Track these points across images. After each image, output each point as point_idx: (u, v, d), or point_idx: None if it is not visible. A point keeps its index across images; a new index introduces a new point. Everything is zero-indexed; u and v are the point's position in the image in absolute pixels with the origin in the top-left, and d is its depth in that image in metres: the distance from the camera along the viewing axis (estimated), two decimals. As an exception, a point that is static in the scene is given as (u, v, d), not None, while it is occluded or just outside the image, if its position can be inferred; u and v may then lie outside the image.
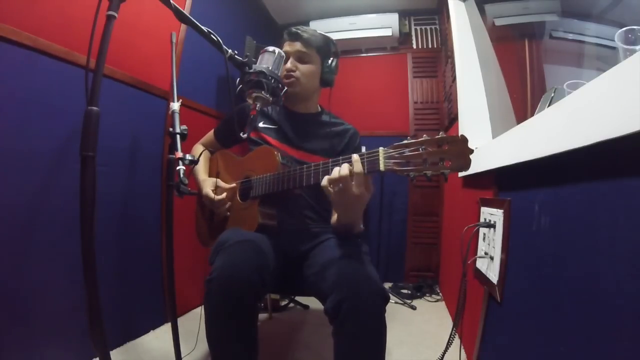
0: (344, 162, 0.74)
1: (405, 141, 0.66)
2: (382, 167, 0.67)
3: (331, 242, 0.96)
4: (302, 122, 1.12)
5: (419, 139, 0.64)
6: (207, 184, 1.08)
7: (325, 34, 1.10)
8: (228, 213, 1.07)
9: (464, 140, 0.62)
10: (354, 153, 1.09)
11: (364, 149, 1.16)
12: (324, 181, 0.73)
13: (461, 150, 0.61)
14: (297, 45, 1.04)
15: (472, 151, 0.62)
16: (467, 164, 0.61)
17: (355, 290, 0.72)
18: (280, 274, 0.89)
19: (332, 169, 0.75)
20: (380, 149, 0.69)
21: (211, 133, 1.25)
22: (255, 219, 0.96)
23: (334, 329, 0.74)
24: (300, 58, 1.05)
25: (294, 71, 1.04)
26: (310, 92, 1.10)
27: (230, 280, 0.75)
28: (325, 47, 1.08)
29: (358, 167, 0.70)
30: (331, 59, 1.09)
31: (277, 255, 0.90)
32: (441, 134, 0.64)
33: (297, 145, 1.08)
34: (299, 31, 1.05)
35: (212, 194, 1.04)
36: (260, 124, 1.12)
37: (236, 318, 0.76)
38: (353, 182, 0.71)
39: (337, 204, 0.78)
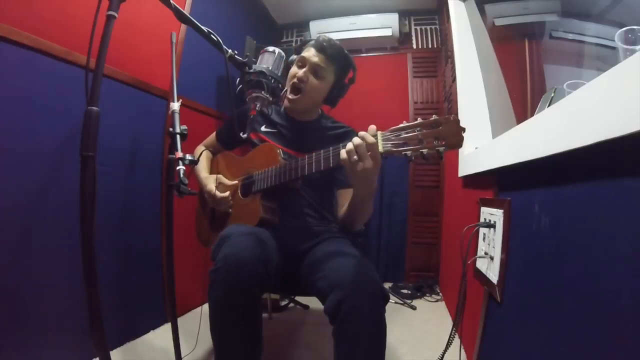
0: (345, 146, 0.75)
1: (402, 125, 0.70)
2: (381, 149, 0.70)
3: (331, 241, 0.97)
4: (302, 129, 1.12)
5: (415, 122, 0.68)
6: (210, 181, 1.09)
7: (351, 57, 1.07)
8: (230, 210, 1.07)
9: (456, 120, 0.66)
10: None
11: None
12: (343, 153, 0.73)
13: (454, 130, 0.65)
14: (319, 58, 1.01)
15: (464, 130, 0.66)
16: (460, 142, 0.66)
17: (355, 290, 0.72)
18: (280, 272, 0.90)
19: (332, 156, 0.79)
20: (379, 132, 0.72)
21: (213, 135, 1.25)
22: (257, 212, 0.96)
23: (334, 328, 0.74)
24: (316, 72, 1.02)
25: (304, 82, 1.02)
26: (311, 105, 1.09)
27: (235, 270, 0.75)
28: (345, 70, 1.07)
29: (370, 139, 0.71)
30: (345, 83, 1.08)
31: (278, 252, 0.90)
32: (434, 117, 0.67)
33: (297, 148, 1.09)
34: (325, 44, 1.01)
35: (216, 192, 1.05)
36: (262, 128, 1.12)
37: (241, 308, 0.77)
38: (369, 152, 0.71)
39: (353, 174, 0.76)
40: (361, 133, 0.72)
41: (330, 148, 0.81)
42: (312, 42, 1.04)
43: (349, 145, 0.72)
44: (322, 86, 1.04)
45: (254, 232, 0.85)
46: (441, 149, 0.66)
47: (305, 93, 1.03)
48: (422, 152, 0.66)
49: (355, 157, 0.72)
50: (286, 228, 1.02)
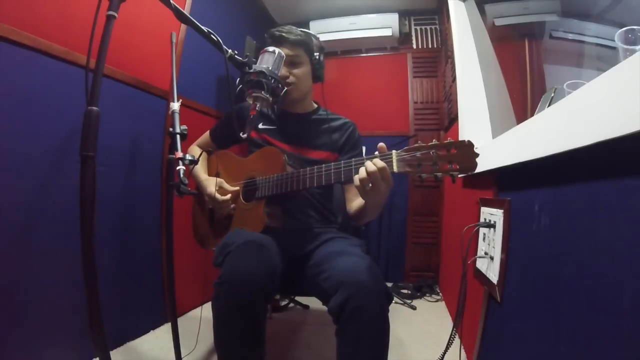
0: (357, 163, 0.76)
1: (416, 145, 0.69)
2: (395, 169, 0.70)
3: (334, 242, 0.97)
4: (301, 122, 1.13)
5: (430, 143, 0.68)
6: (211, 184, 1.08)
7: (306, 30, 1.10)
8: (233, 211, 1.07)
9: (470, 144, 0.66)
10: (355, 146, 1.10)
11: (364, 149, 1.17)
12: (356, 180, 0.73)
13: (468, 154, 0.65)
14: (285, 50, 0.99)
15: (477, 155, 0.65)
16: (473, 167, 0.65)
17: (360, 290, 0.72)
18: (283, 274, 0.90)
19: (344, 171, 0.79)
20: (393, 151, 0.71)
21: (207, 134, 1.24)
22: (261, 220, 0.96)
23: (338, 327, 0.74)
24: (292, 62, 1.04)
25: (287, 77, 1.04)
26: (305, 92, 1.12)
27: (242, 286, 0.75)
28: (310, 44, 1.08)
29: (381, 164, 0.71)
30: (317, 54, 1.09)
31: (281, 257, 0.90)
32: (449, 140, 0.67)
33: (299, 143, 1.10)
34: (283, 34, 1.02)
35: (217, 195, 1.04)
36: (260, 125, 1.13)
37: (247, 321, 0.77)
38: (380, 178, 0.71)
39: (366, 196, 0.77)
40: (374, 160, 0.71)
41: (342, 162, 0.80)
42: (269, 41, 1.04)
43: (362, 173, 0.71)
44: (304, 70, 1.07)
45: (258, 241, 0.85)
46: (455, 173, 0.65)
47: (295, 85, 1.05)
48: (435, 174, 0.67)
49: (369, 185, 0.71)
50: (289, 231, 1.02)
